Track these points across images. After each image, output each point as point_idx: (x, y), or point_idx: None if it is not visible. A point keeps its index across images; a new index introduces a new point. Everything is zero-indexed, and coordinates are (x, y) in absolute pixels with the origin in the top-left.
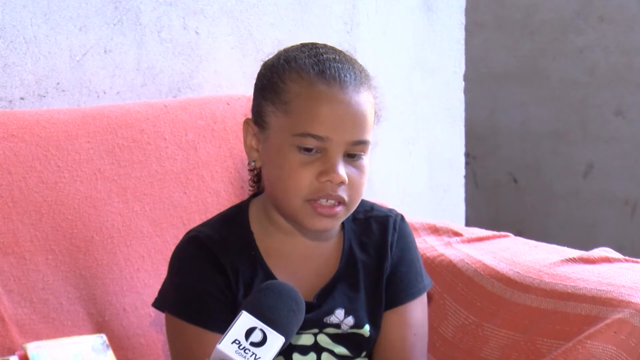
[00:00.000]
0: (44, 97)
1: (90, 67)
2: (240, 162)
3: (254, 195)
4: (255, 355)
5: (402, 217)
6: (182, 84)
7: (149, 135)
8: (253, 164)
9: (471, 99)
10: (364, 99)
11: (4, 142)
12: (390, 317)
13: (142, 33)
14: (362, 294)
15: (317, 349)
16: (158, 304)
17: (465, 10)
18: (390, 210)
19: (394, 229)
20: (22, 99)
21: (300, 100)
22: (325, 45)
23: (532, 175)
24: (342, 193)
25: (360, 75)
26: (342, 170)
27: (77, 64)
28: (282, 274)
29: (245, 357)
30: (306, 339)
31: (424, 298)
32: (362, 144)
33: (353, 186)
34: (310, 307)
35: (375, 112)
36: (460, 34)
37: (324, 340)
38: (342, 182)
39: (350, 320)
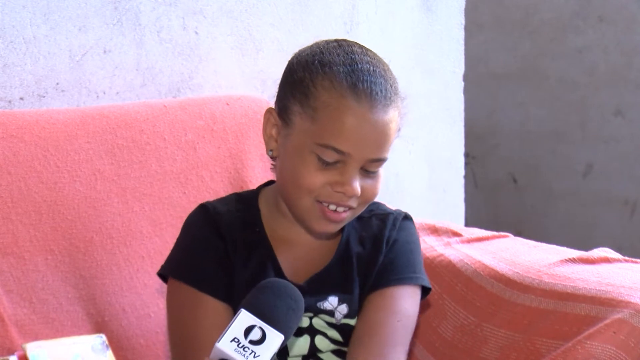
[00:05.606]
0: (44, 97)
1: (90, 67)
2: (240, 162)
3: (266, 185)
4: (255, 353)
5: (406, 216)
6: (182, 84)
7: (149, 136)
8: (270, 152)
9: (470, 99)
10: (390, 119)
11: (3, 142)
12: (375, 300)
13: (142, 33)
14: (355, 285)
15: (312, 331)
16: (162, 268)
17: (464, 10)
18: (396, 210)
19: (394, 225)
20: (21, 99)
21: (329, 110)
22: (362, 50)
23: (532, 175)
24: (353, 202)
25: (390, 91)
26: (357, 183)
27: (76, 64)
28: (282, 256)
29: (244, 355)
30: (301, 321)
31: (416, 294)
32: (381, 161)
33: (364, 195)
34: (300, 291)
35: (398, 128)
36: (460, 34)
37: (319, 323)
38: (354, 195)
39: (344, 308)
